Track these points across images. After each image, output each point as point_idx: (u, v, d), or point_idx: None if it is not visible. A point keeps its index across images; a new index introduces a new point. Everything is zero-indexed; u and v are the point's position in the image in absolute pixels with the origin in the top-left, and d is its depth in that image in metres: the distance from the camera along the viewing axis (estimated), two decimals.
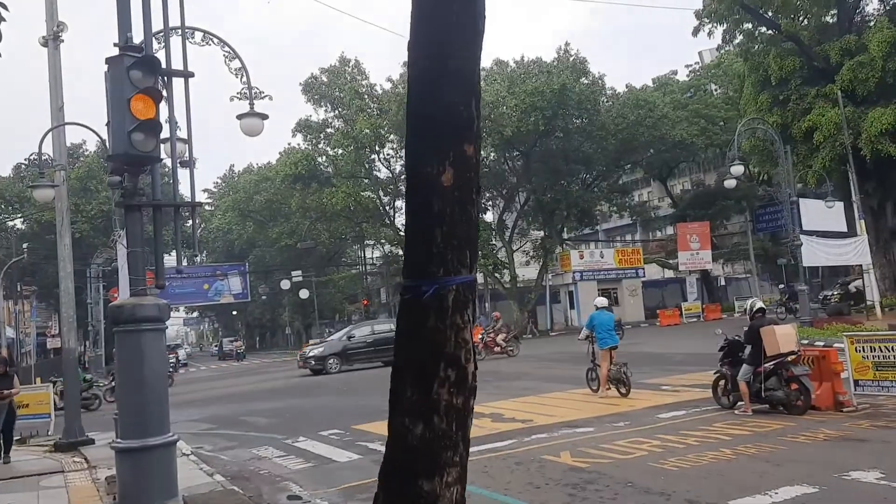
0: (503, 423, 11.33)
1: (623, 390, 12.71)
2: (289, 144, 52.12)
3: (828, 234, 24.38)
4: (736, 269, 58.98)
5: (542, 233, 46.52)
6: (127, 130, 7.10)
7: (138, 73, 7.20)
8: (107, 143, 12.98)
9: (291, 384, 23.38)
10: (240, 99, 12.55)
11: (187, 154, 8.90)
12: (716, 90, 48.23)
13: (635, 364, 14.80)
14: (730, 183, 24.48)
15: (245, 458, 10.94)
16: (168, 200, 8.36)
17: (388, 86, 43.09)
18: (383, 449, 3.58)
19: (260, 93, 12.43)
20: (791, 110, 29.06)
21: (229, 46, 11.43)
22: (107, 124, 9.09)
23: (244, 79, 11.74)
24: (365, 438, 11.32)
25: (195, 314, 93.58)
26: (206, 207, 66.02)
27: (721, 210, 46.58)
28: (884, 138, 25.74)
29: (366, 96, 41.86)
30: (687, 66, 51.72)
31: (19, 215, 46.91)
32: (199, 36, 10.35)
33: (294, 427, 13.53)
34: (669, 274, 53.46)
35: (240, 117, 11.83)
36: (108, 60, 7.30)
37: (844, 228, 25.52)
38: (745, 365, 9.96)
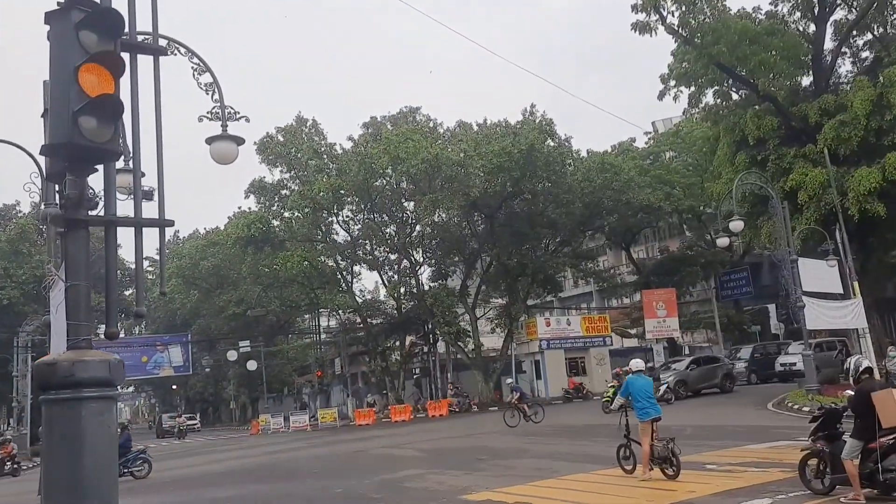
0: None
1: (670, 472, 10.60)
2: (239, 208, 49.61)
3: (823, 295, 23.16)
4: (696, 337, 58.06)
5: (504, 300, 44.79)
6: (72, 111, 4.97)
7: (91, 33, 5.11)
8: (42, 170, 10.63)
9: (248, 465, 20.47)
10: (210, 119, 10.50)
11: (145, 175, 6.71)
12: (674, 157, 48.07)
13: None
14: (722, 241, 23.25)
15: None
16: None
17: (348, 145, 41.54)
18: None
19: (234, 113, 10.43)
20: (770, 171, 28.30)
21: (198, 57, 9.50)
22: (43, 115, 6.90)
23: (215, 96, 9.78)
24: None
25: (130, 389, 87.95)
26: (148, 276, 62.42)
27: (686, 277, 45.68)
28: (871, 198, 24.97)
29: (325, 156, 40.07)
30: (646, 134, 51.77)
31: None
32: (162, 44, 8.25)
33: None
34: (630, 343, 52.00)
35: (210, 141, 9.73)
36: (50, 16, 5.18)
37: (840, 290, 24.36)
38: (851, 440, 8.03)
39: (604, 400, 26.17)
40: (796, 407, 19.98)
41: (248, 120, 10.35)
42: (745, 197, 28.06)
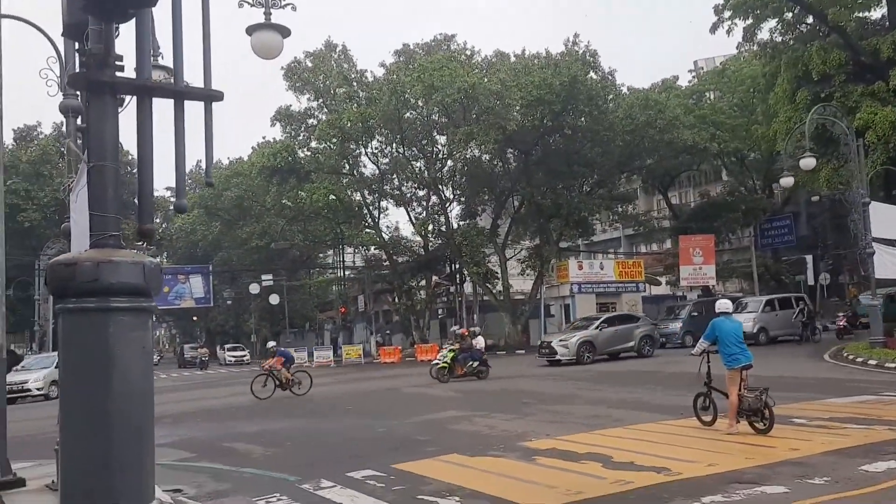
0: (624, 470, 7.92)
1: (761, 425, 9.42)
2: (264, 138, 48.36)
3: (890, 242, 21.61)
4: (728, 287, 56.61)
5: (534, 241, 43.49)
6: None
7: None
8: (60, 54, 9.31)
9: (276, 399, 19.65)
10: (252, 5, 9.17)
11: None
12: (719, 97, 45.86)
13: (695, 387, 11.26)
14: (787, 181, 21.64)
15: None
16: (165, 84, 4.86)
17: (380, 72, 39.81)
18: None
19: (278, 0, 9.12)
20: (834, 109, 26.42)
21: None
22: None
23: None
24: (424, 487, 7.80)
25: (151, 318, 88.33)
26: (170, 209, 61.71)
27: (725, 223, 43.95)
28: None
29: (354, 83, 38.42)
30: (690, 72, 49.43)
31: None
32: None
33: (304, 462, 9.97)
34: (658, 290, 50.68)
35: (251, 31, 8.38)
36: None
37: None
38: None
39: (439, 366, 21.22)
40: (860, 360, 18.72)
41: (294, 8, 9.01)
42: (804, 137, 26.30)
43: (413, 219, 42.74)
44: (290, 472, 9.36)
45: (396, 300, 45.94)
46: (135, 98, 4.37)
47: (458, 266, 42.37)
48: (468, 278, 42.35)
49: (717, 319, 9.99)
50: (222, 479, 9.37)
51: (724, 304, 10.21)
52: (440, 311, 48.14)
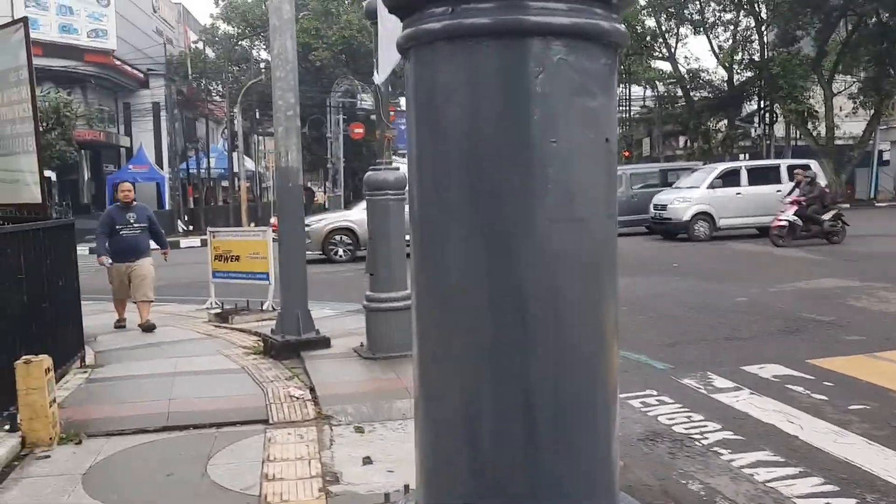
0: None
1: None
2: None
3: None
4: None
5: (869, 72, 35.37)
6: None
7: None
8: None
9: None
10: None
11: None
12: None
13: None
14: None
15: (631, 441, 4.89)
16: None
17: None
18: None
19: None
20: None
21: None
22: None
23: None
24: (884, 406, 4.74)
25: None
26: None
27: None
28: None
29: None
30: None
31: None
32: None
33: (662, 339, 7.39)
34: None
35: None
36: None
37: None
38: None
39: None
40: None
41: None
42: None
43: (715, 48, 36.73)
44: (649, 353, 6.84)
45: (688, 143, 40.94)
46: None
47: (767, 103, 36.09)
48: (779, 118, 36.09)
49: None
50: None
51: None
52: (742, 157, 42.24)
